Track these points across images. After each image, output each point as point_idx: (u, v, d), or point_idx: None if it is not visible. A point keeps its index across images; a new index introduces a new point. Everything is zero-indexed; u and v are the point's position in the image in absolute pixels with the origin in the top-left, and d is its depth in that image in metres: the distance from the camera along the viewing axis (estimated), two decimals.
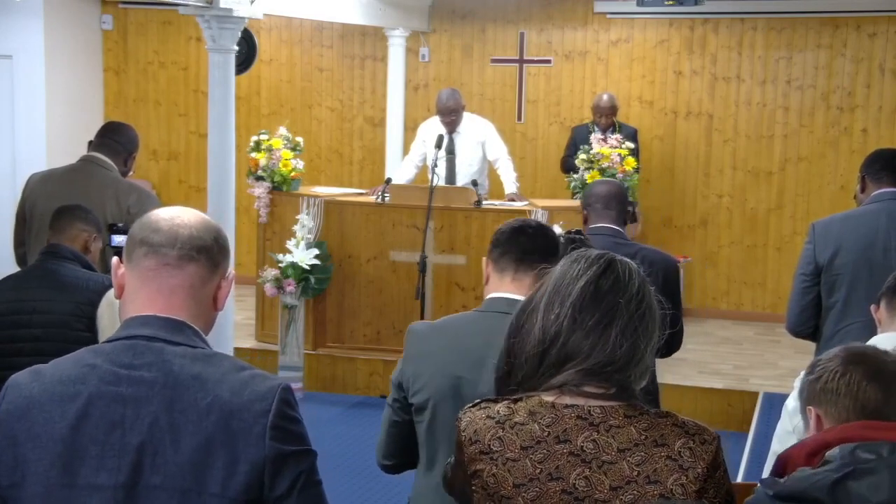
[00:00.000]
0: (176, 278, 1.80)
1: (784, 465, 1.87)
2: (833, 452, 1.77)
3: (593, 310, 1.76)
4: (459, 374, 2.58)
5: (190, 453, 1.69)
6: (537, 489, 1.75)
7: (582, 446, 1.75)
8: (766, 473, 2.76)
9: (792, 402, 2.75)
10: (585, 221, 4.23)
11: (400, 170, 7.99)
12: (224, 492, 1.69)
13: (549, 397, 1.79)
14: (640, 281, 1.81)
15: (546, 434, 1.76)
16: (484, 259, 2.76)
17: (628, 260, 1.84)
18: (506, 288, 2.67)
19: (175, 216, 1.84)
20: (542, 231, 2.75)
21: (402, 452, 2.73)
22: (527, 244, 2.68)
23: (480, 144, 7.59)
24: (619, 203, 4.16)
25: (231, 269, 1.90)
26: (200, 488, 1.69)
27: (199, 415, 1.70)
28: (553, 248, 2.74)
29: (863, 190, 4.19)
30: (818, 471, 1.76)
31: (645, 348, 1.79)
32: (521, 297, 2.62)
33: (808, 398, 2.02)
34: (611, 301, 1.77)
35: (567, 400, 1.77)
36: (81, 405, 1.72)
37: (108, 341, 1.80)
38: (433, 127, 7.59)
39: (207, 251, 1.82)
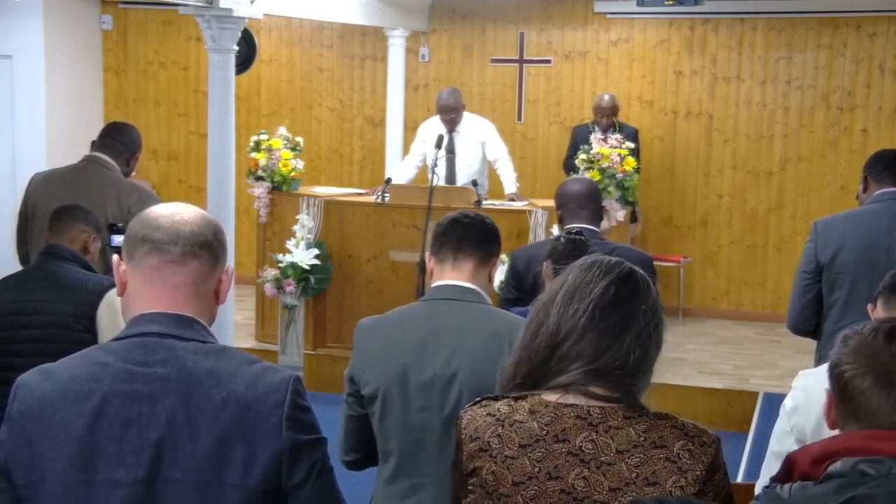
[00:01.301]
0: (179, 275, 1.82)
1: (791, 466, 1.84)
2: (836, 467, 1.73)
3: (612, 312, 1.79)
4: (405, 362, 2.64)
5: (208, 446, 1.72)
6: (536, 488, 1.75)
7: (581, 446, 1.75)
8: (763, 473, 2.77)
9: (790, 402, 2.75)
10: (560, 221, 4.22)
11: (400, 170, 7.99)
12: (243, 482, 1.72)
13: (551, 396, 1.80)
14: (655, 293, 1.85)
15: (545, 433, 1.77)
16: (427, 254, 2.84)
17: (643, 272, 1.88)
18: (446, 276, 2.75)
19: (174, 213, 1.85)
20: (479, 220, 2.82)
21: (361, 447, 2.79)
22: (462, 234, 2.76)
23: (480, 144, 7.59)
24: (593, 202, 4.17)
25: (230, 263, 1.92)
26: (220, 480, 1.72)
27: (216, 409, 1.73)
28: (490, 235, 2.81)
29: (865, 189, 4.20)
30: (818, 492, 1.71)
31: (654, 357, 1.82)
32: (461, 283, 2.71)
33: (828, 378, 1.94)
34: (631, 307, 1.80)
35: (570, 399, 1.78)
36: (97, 403, 1.73)
37: (117, 339, 1.81)
38: (433, 127, 7.59)
39: (209, 247, 1.84)
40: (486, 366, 2.56)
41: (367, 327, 2.77)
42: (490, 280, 2.80)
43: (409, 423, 2.62)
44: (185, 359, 1.76)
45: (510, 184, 7.53)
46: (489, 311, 2.72)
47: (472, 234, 2.76)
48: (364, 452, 2.80)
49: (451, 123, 7.48)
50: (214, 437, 1.72)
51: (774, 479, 1.83)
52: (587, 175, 6.86)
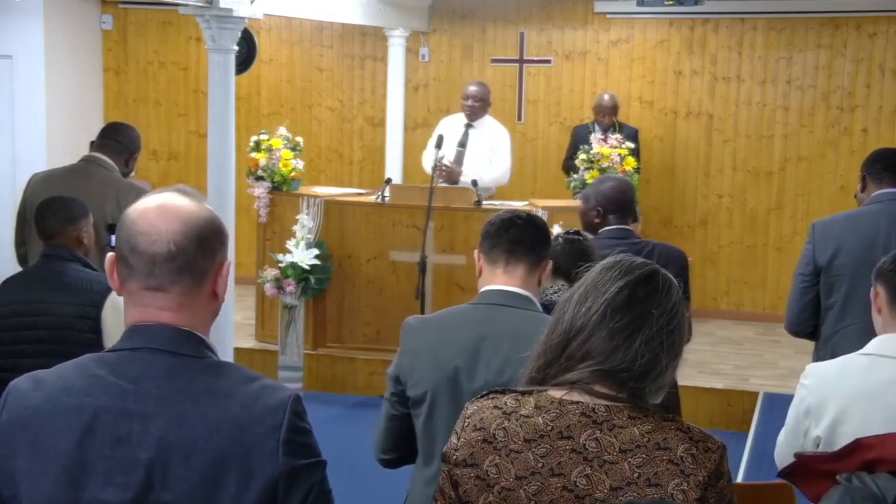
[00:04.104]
0: (161, 300, 1.73)
1: (853, 449, 1.78)
2: None
3: (624, 314, 1.77)
4: (456, 365, 2.60)
5: (201, 469, 1.66)
6: (538, 483, 1.75)
7: (584, 444, 1.75)
8: (778, 459, 2.77)
9: (802, 405, 2.75)
10: (599, 222, 4.13)
11: (427, 155, 7.51)
12: None
13: (556, 393, 1.80)
14: (676, 297, 1.81)
15: (549, 429, 1.77)
16: (476, 251, 2.79)
17: (670, 275, 1.85)
18: (497, 280, 2.71)
19: (151, 229, 1.72)
20: (532, 222, 2.76)
21: (400, 446, 2.76)
22: (516, 236, 2.70)
23: (492, 149, 7.58)
24: (628, 201, 4.17)
25: (228, 258, 1.81)
26: (212, 503, 1.66)
27: (210, 430, 1.67)
28: (543, 238, 2.76)
29: (863, 189, 4.19)
30: None
31: (667, 364, 1.78)
32: (513, 288, 2.67)
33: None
34: (643, 309, 1.77)
35: (575, 397, 1.78)
36: (87, 419, 1.68)
37: (113, 350, 1.76)
38: (450, 124, 7.55)
39: (189, 267, 1.73)
40: None
41: (415, 327, 2.73)
42: (539, 284, 2.74)
43: None
44: (179, 376, 1.70)
45: (483, 175, 7.14)
46: (541, 319, 2.63)
47: (525, 237, 2.70)
48: (401, 452, 2.76)
49: (471, 113, 7.43)
50: (208, 459, 1.66)
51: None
52: (587, 175, 6.87)
